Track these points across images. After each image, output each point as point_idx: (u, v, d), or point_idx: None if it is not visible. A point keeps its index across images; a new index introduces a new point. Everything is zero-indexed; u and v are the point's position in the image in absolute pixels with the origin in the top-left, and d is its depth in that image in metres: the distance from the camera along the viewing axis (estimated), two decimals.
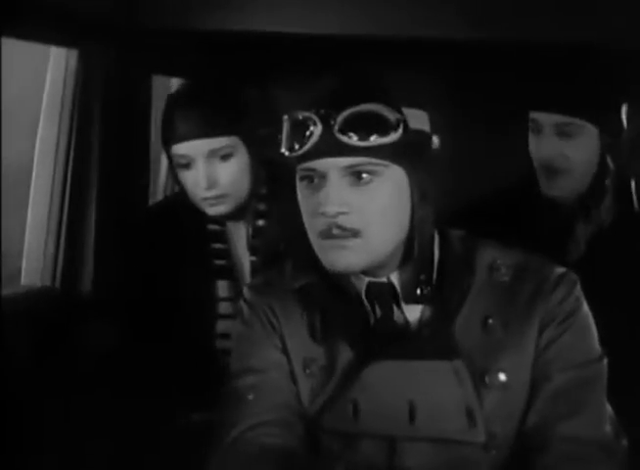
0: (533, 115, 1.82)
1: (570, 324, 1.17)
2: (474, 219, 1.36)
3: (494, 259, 1.22)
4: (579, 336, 1.19)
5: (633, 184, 1.87)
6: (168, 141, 1.71)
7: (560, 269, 1.21)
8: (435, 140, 1.18)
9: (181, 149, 1.68)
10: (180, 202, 1.80)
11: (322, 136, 1.11)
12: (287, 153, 1.15)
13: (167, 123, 1.71)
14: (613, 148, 1.82)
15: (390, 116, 1.11)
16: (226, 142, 1.67)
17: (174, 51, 2.08)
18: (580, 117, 1.78)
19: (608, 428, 1.16)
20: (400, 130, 1.11)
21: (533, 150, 1.85)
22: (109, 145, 1.92)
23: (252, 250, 1.79)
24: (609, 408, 1.19)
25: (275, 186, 1.80)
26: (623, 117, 1.83)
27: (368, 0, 1.81)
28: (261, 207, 1.81)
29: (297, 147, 1.13)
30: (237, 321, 1.32)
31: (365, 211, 1.12)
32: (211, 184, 1.68)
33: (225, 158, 1.68)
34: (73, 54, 1.84)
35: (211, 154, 1.67)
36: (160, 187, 2.54)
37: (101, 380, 1.77)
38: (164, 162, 2.50)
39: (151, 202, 2.22)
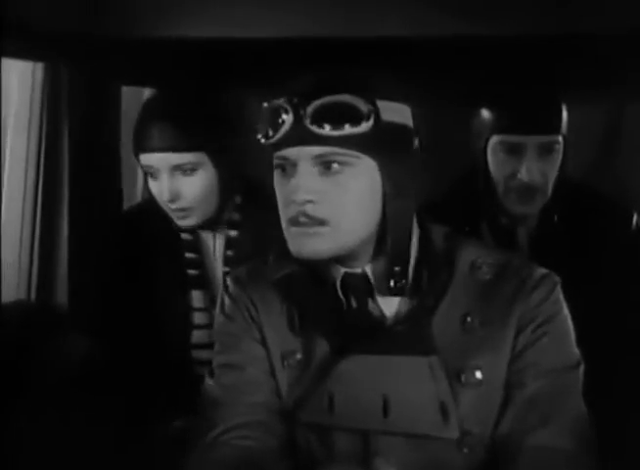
0: (517, 138, 1.75)
1: (548, 328, 1.17)
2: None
3: (477, 258, 1.22)
4: (557, 341, 1.18)
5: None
6: (137, 150, 1.69)
7: (541, 270, 1.21)
8: (415, 141, 1.17)
9: (147, 159, 1.67)
10: (154, 208, 1.79)
11: (293, 125, 1.12)
12: (262, 140, 1.16)
13: (137, 132, 1.69)
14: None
15: (362, 106, 1.10)
16: (190, 158, 1.65)
17: (143, 61, 2.06)
18: (559, 131, 1.76)
19: (579, 438, 1.15)
20: (371, 121, 1.11)
21: (509, 172, 1.79)
22: (78, 157, 1.91)
23: (226, 260, 1.78)
24: (584, 415, 1.17)
25: (250, 196, 1.79)
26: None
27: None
28: (235, 217, 1.79)
29: (270, 134, 1.14)
30: (219, 313, 1.32)
31: (333, 200, 1.12)
32: (174, 197, 1.67)
33: (189, 172, 1.67)
34: (39, 67, 1.83)
35: (175, 168, 1.66)
36: (137, 192, 2.52)
37: (77, 393, 1.77)
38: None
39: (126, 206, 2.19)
